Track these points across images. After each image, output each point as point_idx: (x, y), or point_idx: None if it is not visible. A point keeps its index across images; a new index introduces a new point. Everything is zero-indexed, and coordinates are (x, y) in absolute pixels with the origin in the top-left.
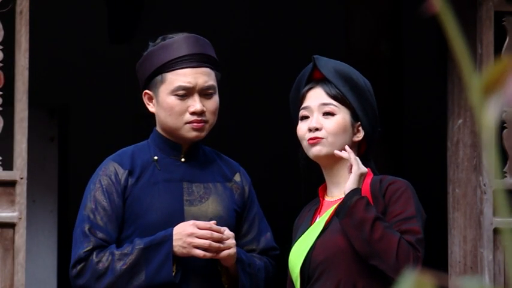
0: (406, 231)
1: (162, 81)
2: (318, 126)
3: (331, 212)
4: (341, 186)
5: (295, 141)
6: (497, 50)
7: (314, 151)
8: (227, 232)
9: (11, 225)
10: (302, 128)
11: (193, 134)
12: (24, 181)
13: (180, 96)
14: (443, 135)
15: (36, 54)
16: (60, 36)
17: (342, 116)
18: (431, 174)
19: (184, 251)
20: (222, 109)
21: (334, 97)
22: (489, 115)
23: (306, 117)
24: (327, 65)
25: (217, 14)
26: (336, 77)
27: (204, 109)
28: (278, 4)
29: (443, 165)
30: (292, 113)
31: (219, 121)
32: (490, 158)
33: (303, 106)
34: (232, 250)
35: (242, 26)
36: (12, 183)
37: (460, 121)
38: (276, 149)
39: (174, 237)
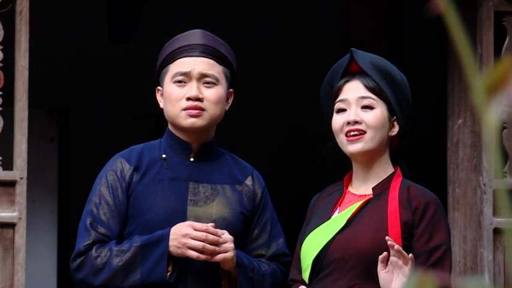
0: (435, 264)
1: (165, 73)
2: (357, 119)
3: (355, 208)
4: (369, 182)
5: (299, 140)
6: (497, 50)
7: (353, 149)
8: (225, 236)
9: (11, 225)
10: (338, 121)
11: (189, 121)
12: (24, 181)
13: (179, 83)
14: (443, 135)
15: (36, 54)
16: (60, 36)
17: (381, 109)
18: (431, 174)
19: (179, 251)
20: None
21: (372, 90)
22: (492, 115)
23: (342, 110)
24: (364, 58)
25: (217, 14)
26: (374, 70)
27: (201, 96)
28: (278, 4)
29: (443, 165)
30: (324, 106)
31: (226, 121)
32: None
33: (339, 99)
34: (229, 254)
35: (241, 27)
36: (12, 183)
37: (460, 121)
38: (281, 149)
39: (171, 237)
